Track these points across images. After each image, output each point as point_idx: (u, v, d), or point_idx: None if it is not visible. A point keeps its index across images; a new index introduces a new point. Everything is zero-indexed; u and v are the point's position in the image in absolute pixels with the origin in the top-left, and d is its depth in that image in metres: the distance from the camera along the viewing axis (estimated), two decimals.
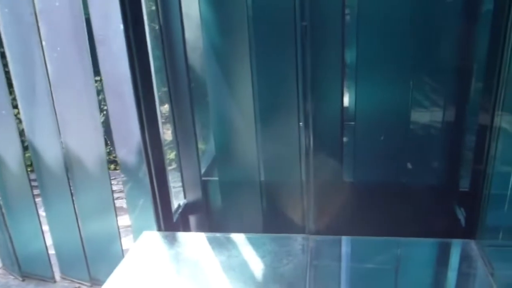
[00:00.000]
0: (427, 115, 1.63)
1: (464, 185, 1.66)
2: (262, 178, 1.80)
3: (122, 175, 1.63)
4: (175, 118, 1.84)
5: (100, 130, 1.65)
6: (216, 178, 1.89)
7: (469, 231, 1.53)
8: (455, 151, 1.65)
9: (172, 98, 1.80)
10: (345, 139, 1.69)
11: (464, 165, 1.65)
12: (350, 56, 1.63)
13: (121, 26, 1.35)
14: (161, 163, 1.63)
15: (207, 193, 1.94)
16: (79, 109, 1.62)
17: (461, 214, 1.67)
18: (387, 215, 1.66)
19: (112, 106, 1.53)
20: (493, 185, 1.42)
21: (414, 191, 1.68)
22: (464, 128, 1.61)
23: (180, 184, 1.96)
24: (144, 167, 1.52)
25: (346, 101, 1.68)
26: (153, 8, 1.68)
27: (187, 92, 1.78)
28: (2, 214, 2.00)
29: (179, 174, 1.95)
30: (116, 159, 2.25)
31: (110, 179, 1.72)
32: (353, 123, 1.64)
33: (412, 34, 1.50)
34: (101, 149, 1.67)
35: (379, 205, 1.68)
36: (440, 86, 1.60)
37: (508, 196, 1.33)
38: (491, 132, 1.39)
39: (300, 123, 1.64)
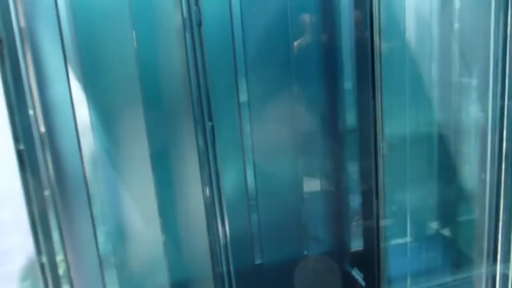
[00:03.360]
0: (317, 183, 1.65)
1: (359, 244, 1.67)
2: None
3: None
4: None
5: None
6: None
7: None
8: (344, 213, 1.68)
9: None
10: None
11: (355, 225, 1.67)
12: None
13: None
14: None
15: None
16: None
17: (358, 275, 1.68)
18: None
19: None
20: (387, 238, 1.47)
21: (315, 261, 1.67)
22: (348, 191, 1.65)
23: None
24: None
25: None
26: None
27: None
28: None
29: None
30: None
31: None
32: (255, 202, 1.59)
33: None
34: None
35: (289, 283, 1.67)
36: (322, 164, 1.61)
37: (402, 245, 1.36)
38: (377, 190, 1.42)
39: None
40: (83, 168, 1.32)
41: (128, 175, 1.38)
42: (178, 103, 1.30)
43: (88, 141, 1.37)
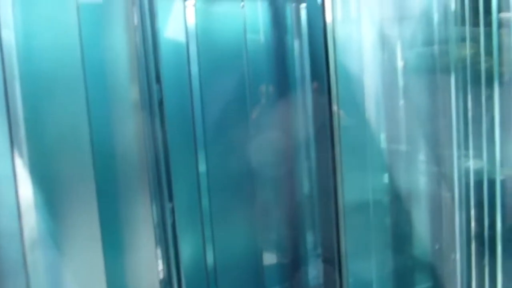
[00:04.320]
0: (277, 254, 1.61)
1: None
2: None
3: None
4: None
5: None
6: None
7: None
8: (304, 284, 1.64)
9: None
10: None
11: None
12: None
13: None
14: None
15: None
16: None
17: None
18: None
19: None
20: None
21: None
22: (308, 260, 1.63)
23: None
24: None
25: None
26: None
27: None
28: None
29: None
30: None
31: None
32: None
33: None
34: None
35: None
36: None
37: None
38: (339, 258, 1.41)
39: None
40: (24, 252, 1.19)
41: (75, 259, 1.24)
42: (134, 182, 1.22)
43: (31, 222, 1.24)
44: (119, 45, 1.17)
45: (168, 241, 1.24)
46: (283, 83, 1.48)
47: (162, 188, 1.19)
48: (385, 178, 1.50)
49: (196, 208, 1.33)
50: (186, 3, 1.29)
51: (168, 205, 1.19)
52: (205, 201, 1.37)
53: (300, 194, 1.58)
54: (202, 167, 1.32)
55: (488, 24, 1.38)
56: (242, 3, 1.37)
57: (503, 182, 1.42)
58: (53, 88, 1.12)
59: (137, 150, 1.20)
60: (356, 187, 1.45)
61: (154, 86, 1.13)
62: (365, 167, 1.47)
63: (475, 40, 1.41)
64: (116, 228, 1.27)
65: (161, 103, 1.13)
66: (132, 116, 1.19)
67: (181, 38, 1.27)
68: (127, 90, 1.17)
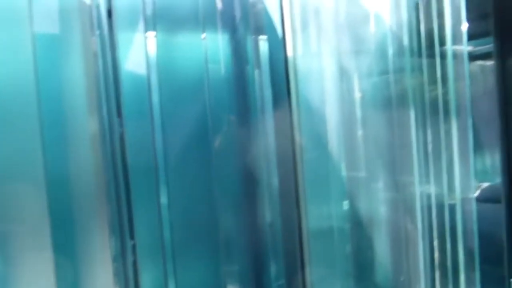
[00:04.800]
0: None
1: None
2: None
3: None
4: None
5: None
6: None
7: None
8: None
9: None
10: None
11: None
12: None
13: None
14: None
15: None
16: None
17: None
18: None
19: None
20: None
21: None
22: None
23: None
24: None
25: None
26: None
27: None
28: None
29: None
30: None
31: None
32: None
33: None
34: None
35: None
36: None
37: None
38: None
39: None
40: None
41: None
42: (92, 219, 1.17)
43: None
44: (77, 77, 1.14)
45: (128, 280, 1.19)
46: (245, 113, 1.48)
47: (123, 225, 1.15)
48: (348, 207, 1.52)
49: (157, 243, 1.29)
50: (147, 33, 1.28)
51: (129, 243, 1.15)
52: (166, 235, 1.34)
53: (263, 224, 1.57)
54: (163, 200, 1.29)
55: (443, 56, 1.46)
56: (203, 34, 1.37)
57: (463, 208, 1.48)
58: (6, 121, 1.07)
59: (96, 186, 1.16)
60: (319, 215, 1.47)
61: (115, 120, 1.11)
62: (328, 195, 1.49)
63: (428, 71, 1.48)
64: (72, 267, 1.20)
65: (122, 137, 1.11)
66: (91, 150, 1.16)
67: (142, 69, 1.25)
68: (86, 123, 1.13)
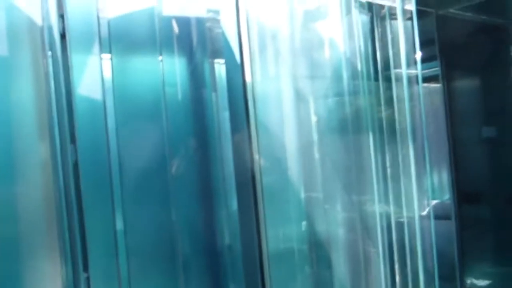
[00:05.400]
0: None
1: None
2: None
3: None
4: None
5: None
6: None
7: None
8: None
9: None
10: None
11: None
12: None
13: None
14: None
15: None
16: None
17: None
18: None
19: None
20: None
21: None
22: None
23: None
24: None
25: None
26: None
27: None
28: None
29: None
30: None
31: None
32: None
33: None
34: None
35: None
36: None
37: None
38: None
39: None
40: None
41: None
42: (43, 251, 1.10)
43: None
44: (27, 100, 1.09)
45: None
46: (203, 136, 1.47)
47: (76, 256, 1.09)
48: (307, 228, 1.53)
49: (113, 274, 1.23)
50: (102, 56, 1.25)
51: (82, 275, 1.09)
52: (123, 266, 1.29)
53: (222, 247, 1.55)
54: (120, 229, 1.24)
55: (397, 79, 1.52)
56: (160, 57, 1.36)
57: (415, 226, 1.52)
58: None
59: (47, 216, 1.10)
60: (279, 237, 1.47)
61: (69, 147, 1.06)
62: (288, 217, 1.49)
63: (382, 93, 1.54)
64: None
65: (76, 164, 1.06)
66: (42, 179, 1.10)
67: (97, 93, 1.21)
68: (36, 150, 1.08)
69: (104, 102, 1.20)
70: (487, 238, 2.60)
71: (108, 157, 1.17)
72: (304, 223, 1.53)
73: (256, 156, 1.36)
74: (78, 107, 1.12)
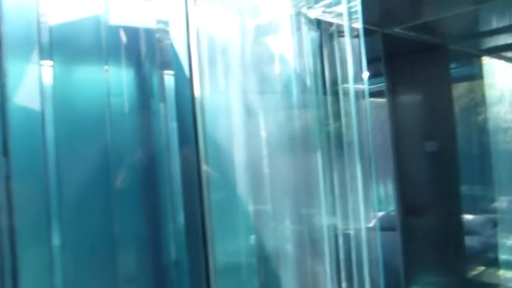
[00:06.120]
0: None
1: None
2: None
3: None
4: None
5: None
6: None
7: None
8: None
9: None
10: None
11: None
12: None
13: None
14: None
15: None
16: None
17: None
18: None
19: None
20: None
21: None
22: None
23: None
24: None
25: None
26: None
27: None
28: None
29: None
30: None
31: None
32: None
33: None
34: None
35: None
36: None
37: None
38: None
39: None
40: None
41: None
42: None
43: None
44: None
45: None
46: (150, 148, 1.44)
47: (4, 276, 1.02)
48: (255, 242, 1.53)
49: None
50: (42, 62, 1.19)
51: None
52: (57, 282, 1.22)
53: (168, 263, 1.51)
54: (56, 248, 1.17)
55: (345, 93, 1.56)
56: (106, 67, 1.32)
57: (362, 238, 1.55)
58: None
59: None
60: (227, 251, 1.45)
61: (1, 160, 0.99)
62: (236, 231, 1.48)
63: (330, 108, 1.57)
64: None
65: (8, 179, 0.99)
66: None
67: (35, 102, 1.15)
68: None
69: (43, 111, 1.14)
70: (430, 248, 2.71)
71: (45, 171, 1.10)
72: (252, 236, 1.52)
73: (204, 169, 1.35)
74: (13, 116, 1.06)
